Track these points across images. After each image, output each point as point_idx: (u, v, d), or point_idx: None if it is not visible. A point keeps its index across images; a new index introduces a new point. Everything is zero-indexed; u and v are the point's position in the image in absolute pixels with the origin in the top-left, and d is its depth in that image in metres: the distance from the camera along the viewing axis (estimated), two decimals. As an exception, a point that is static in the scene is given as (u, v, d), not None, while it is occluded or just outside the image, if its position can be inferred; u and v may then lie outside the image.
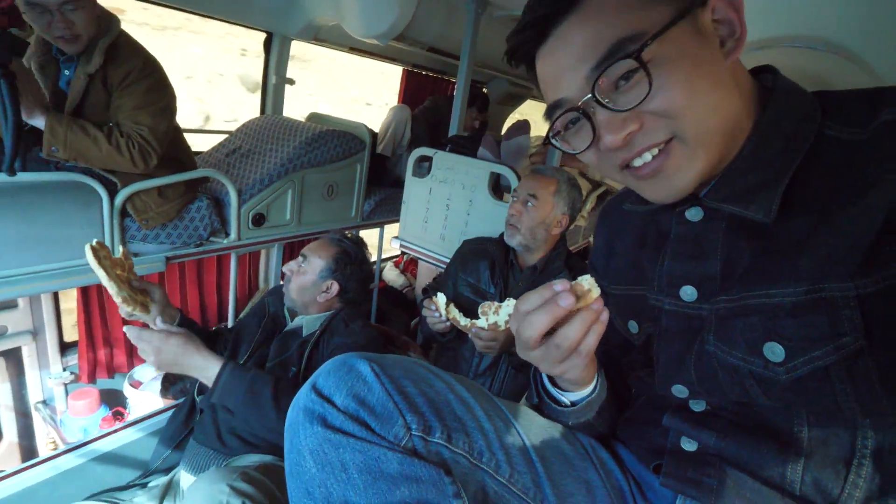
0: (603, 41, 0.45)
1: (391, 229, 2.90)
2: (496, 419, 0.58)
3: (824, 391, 0.43)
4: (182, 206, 1.79)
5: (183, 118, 1.75)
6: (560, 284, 0.47)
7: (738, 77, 0.48)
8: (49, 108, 1.42)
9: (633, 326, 0.63)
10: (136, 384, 2.29)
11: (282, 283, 1.37)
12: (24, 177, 1.38)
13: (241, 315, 1.40)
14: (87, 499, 1.11)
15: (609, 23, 0.45)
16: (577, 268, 1.53)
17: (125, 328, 1.01)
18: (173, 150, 1.70)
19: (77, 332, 2.21)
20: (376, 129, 2.91)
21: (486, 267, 1.56)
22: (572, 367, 0.51)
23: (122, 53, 1.49)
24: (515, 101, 4.38)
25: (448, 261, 1.74)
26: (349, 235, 1.40)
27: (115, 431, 1.32)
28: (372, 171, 2.57)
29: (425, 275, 2.26)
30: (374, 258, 3.10)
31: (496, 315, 1.31)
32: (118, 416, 2.24)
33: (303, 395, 0.53)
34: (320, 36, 2.61)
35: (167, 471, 1.23)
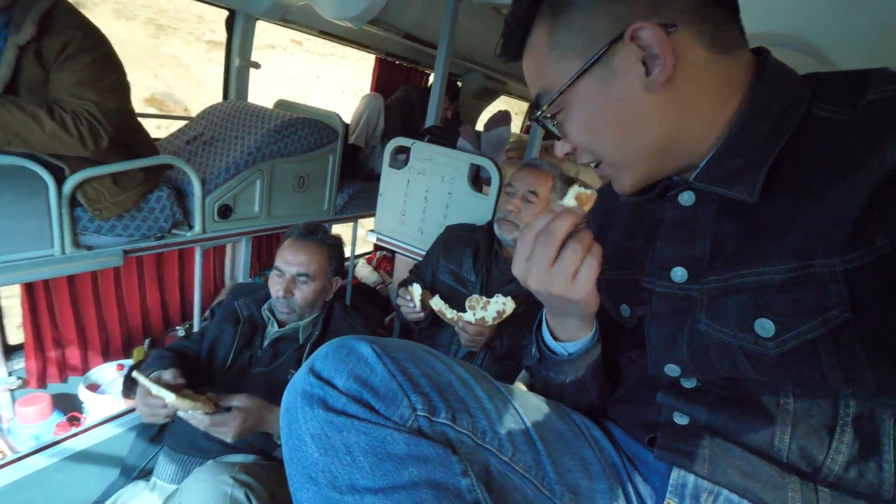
0: (533, 87, 0.56)
1: (364, 224, 2.82)
2: (496, 400, 0.59)
3: (811, 363, 0.45)
4: (140, 196, 1.66)
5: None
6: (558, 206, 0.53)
7: (689, 86, 0.48)
8: None
9: (624, 310, 0.65)
10: (92, 387, 2.14)
11: (250, 280, 1.30)
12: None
13: (207, 320, 1.28)
14: None
15: (533, 77, 0.55)
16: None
17: (184, 415, 0.98)
18: (126, 134, 1.56)
19: (23, 334, 2.04)
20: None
21: (470, 255, 1.52)
22: (573, 301, 0.53)
23: (59, 23, 1.33)
24: (490, 95, 4.35)
25: (425, 254, 1.69)
26: (311, 226, 1.35)
27: (75, 435, 1.21)
28: (344, 163, 2.48)
29: (403, 269, 2.20)
30: (346, 254, 3.01)
31: (484, 311, 1.28)
32: (74, 421, 2.08)
33: (300, 379, 0.52)
34: (288, 16, 2.48)
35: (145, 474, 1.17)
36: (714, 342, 0.51)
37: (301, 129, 2.15)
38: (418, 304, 1.35)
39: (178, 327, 2.52)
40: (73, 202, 1.50)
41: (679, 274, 0.55)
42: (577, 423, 0.66)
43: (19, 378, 2.08)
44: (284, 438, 0.51)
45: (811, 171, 0.45)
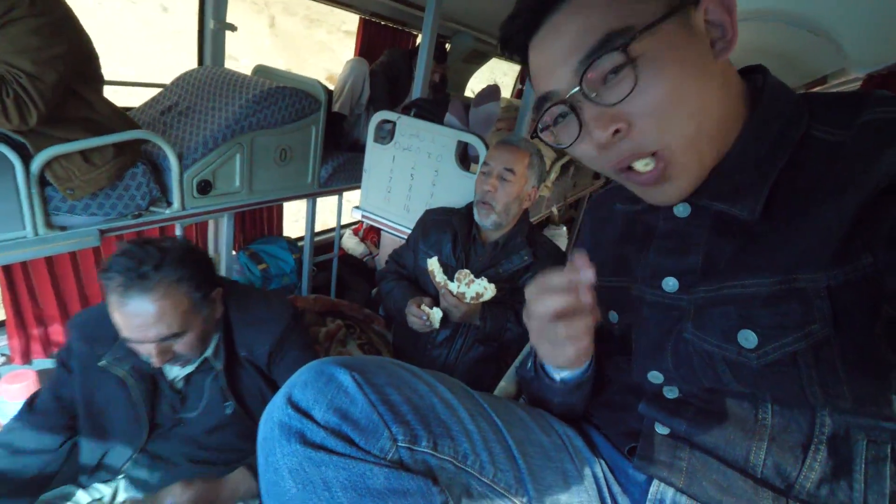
0: (593, 33, 0.45)
1: (350, 195, 2.77)
2: (479, 419, 0.59)
3: (791, 377, 0.46)
4: (114, 173, 1.59)
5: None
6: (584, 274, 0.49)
7: (727, 77, 0.49)
8: None
9: (613, 317, 0.65)
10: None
11: (89, 310, 1.04)
12: None
13: (58, 367, 1.04)
14: None
15: (600, 14, 0.45)
16: (537, 243, 1.50)
17: None
18: (85, 109, 1.47)
19: (4, 312, 2.01)
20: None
21: (449, 240, 1.50)
22: (562, 353, 0.55)
23: None
24: (480, 58, 4.19)
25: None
26: (133, 272, 0.86)
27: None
28: (328, 133, 2.40)
29: (389, 246, 2.18)
30: (333, 225, 2.97)
31: (467, 287, 1.33)
32: (58, 398, 2.08)
33: (277, 409, 0.51)
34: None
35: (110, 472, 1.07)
36: (698, 351, 0.52)
37: (281, 99, 2.06)
38: (436, 324, 1.38)
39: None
40: (43, 181, 1.44)
41: (671, 284, 0.55)
42: (559, 435, 0.67)
43: (3, 355, 2.06)
44: (261, 469, 0.50)
45: (805, 190, 0.46)
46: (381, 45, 3.46)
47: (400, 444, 0.51)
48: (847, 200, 0.42)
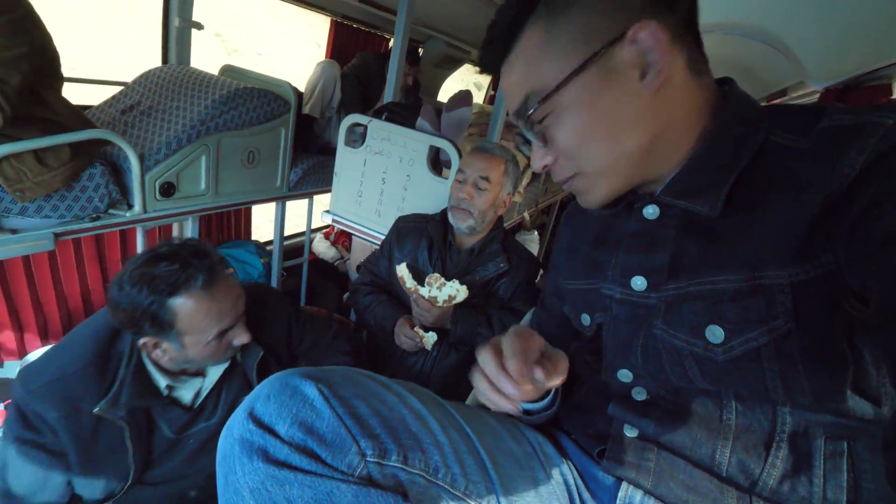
0: (519, 91, 0.54)
1: (320, 198, 2.73)
2: (450, 429, 0.59)
3: (755, 371, 0.48)
4: (70, 175, 1.52)
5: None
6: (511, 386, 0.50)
7: (673, 99, 0.51)
8: None
9: (585, 319, 0.67)
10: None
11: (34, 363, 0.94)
12: None
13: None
14: None
15: (522, 75, 0.53)
16: (512, 250, 1.51)
17: None
18: (43, 109, 1.40)
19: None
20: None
21: (425, 247, 1.50)
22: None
23: None
24: (453, 64, 4.21)
25: (384, 237, 1.66)
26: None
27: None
28: (298, 135, 2.36)
29: (360, 250, 2.16)
30: (303, 228, 2.92)
31: (438, 291, 1.34)
32: (9, 410, 1.97)
33: (237, 424, 0.48)
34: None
35: None
36: (667, 346, 0.54)
37: (250, 99, 2.02)
38: (429, 347, 1.41)
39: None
40: (-9, 182, 1.36)
41: (639, 283, 0.57)
42: (530, 442, 0.67)
43: (-55, 365, 1.94)
44: (220, 490, 0.47)
45: (766, 191, 0.48)
46: (352, 48, 3.44)
47: (368, 458, 0.49)
48: (807, 200, 0.45)
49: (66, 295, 2.25)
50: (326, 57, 3.32)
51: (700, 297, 0.51)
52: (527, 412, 0.66)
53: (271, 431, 0.47)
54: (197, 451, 1.08)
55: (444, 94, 4.44)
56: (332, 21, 3.31)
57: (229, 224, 2.95)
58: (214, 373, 1.07)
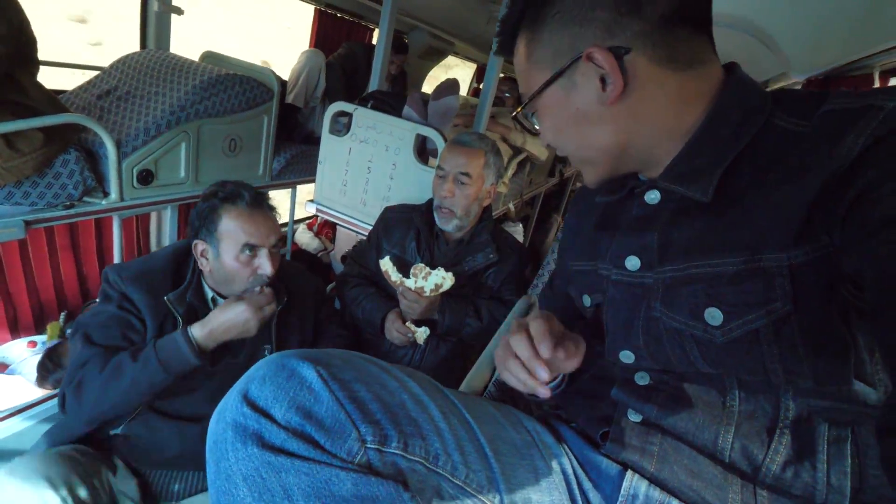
0: (521, 88, 0.62)
1: (303, 188, 2.69)
2: (451, 416, 0.58)
3: (754, 353, 0.48)
4: (42, 161, 1.46)
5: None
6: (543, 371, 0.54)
7: (642, 98, 0.53)
8: None
9: (586, 300, 0.68)
10: (0, 367, 1.96)
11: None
12: None
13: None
14: None
15: (519, 76, 0.61)
16: (501, 240, 1.51)
17: None
18: (17, 93, 1.35)
19: None
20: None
21: (412, 238, 1.49)
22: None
23: None
24: (437, 55, 4.19)
25: (369, 227, 1.64)
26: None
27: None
28: (281, 125, 2.32)
29: (344, 241, 2.14)
30: (286, 219, 2.88)
31: (424, 280, 1.32)
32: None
33: (231, 408, 0.46)
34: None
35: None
36: (668, 329, 0.54)
37: (232, 86, 1.97)
38: (421, 342, 1.42)
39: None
40: (-42, 167, 1.31)
41: (632, 263, 0.58)
42: (528, 431, 0.67)
43: None
44: (211, 477, 0.45)
45: (767, 173, 0.48)
46: (336, 37, 3.39)
47: (368, 445, 0.48)
48: (806, 182, 0.44)
49: (37, 287, 2.18)
50: (310, 46, 3.27)
51: (699, 279, 0.51)
52: (531, 396, 0.65)
53: (267, 415, 0.45)
54: (219, 390, 1.06)
55: (428, 86, 4.41)
56: (315, 10, 3.26)
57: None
58: None
